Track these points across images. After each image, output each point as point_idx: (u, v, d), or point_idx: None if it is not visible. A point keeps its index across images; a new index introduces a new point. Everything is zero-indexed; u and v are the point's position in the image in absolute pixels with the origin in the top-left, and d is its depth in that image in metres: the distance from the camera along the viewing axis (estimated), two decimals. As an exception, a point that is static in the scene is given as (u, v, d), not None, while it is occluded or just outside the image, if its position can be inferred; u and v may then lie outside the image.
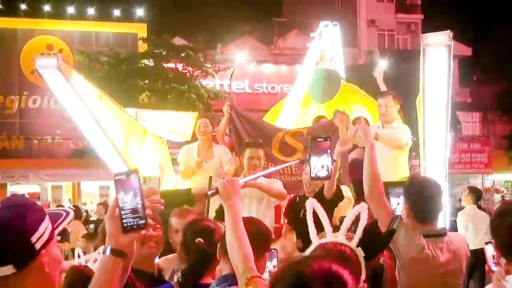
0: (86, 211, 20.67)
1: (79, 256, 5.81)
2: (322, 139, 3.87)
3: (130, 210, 2.65)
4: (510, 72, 40.63)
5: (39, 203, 17.94)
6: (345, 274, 1.94)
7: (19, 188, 34.15)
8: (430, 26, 38.86)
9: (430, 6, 52.01)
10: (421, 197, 4.56)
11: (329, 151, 3.81)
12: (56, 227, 2.30)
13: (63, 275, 5.49)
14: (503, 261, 3.45)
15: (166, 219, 4.64)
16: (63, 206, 15.63)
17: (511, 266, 3.26)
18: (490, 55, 43.51)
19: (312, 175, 3.74)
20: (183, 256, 3.98)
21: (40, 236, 2.13)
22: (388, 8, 53.23)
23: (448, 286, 4.50)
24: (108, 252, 2.57)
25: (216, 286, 3.55)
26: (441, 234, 4.54)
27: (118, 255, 2.58)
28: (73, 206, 18.90)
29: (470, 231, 11.75)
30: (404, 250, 4.09)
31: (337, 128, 8.05)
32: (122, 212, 2.64)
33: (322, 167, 3.64)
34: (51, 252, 2.18)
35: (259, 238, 3.75)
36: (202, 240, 3.86)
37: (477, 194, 13.50)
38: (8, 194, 33.57)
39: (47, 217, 2.23)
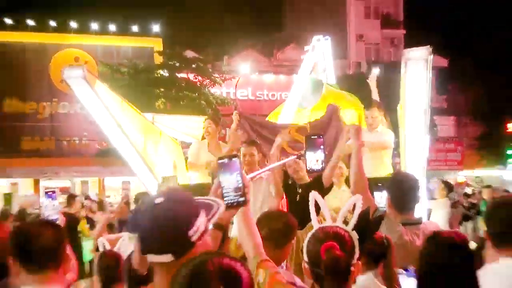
0: (110, 203, 20.52)
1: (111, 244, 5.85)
2: (315, 137, 4.00)
3: (231, 189, 2.71)
4: (481, 82, 40.62)
5: (66, 196, 17.98)
6: (237, 266, 1.93)
7: (51, 183, 33.95)
8: (411, 40, 38.88)
9: (411, 22, 51.90)
10: (400, 190, 4.60)
11: (322, 147, 3.88)
12: (210, 219, 2.35)
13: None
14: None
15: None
16: (90, 199, 15.55)
17: (502, 251, 3.26)
18: (464, 67, 43.53)
19: (308, 168, 3.84)
20: None
21: (197, 230, 2.18)
22: (374, 24, 53.14)
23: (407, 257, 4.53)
24: (210, 226, 2.54)
25: None
26: (417, 222, 4.57)
27: (219, 228, 2.69)
28: (98, 199, 18.79)
29: (441, 220, 11.71)
30: (388, 234, 4.10)
31: (333, 122, 8.20)
32: (224, 191, 2.70)
33: (317, 161, 3.78)
34: (204, 241, 2.22)
35: (286, 231, 3.85)
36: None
37: (449, 188, 13.53)
38: (41, 188, 33.55)
39: (202, 212, 2.27)
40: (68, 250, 3.00)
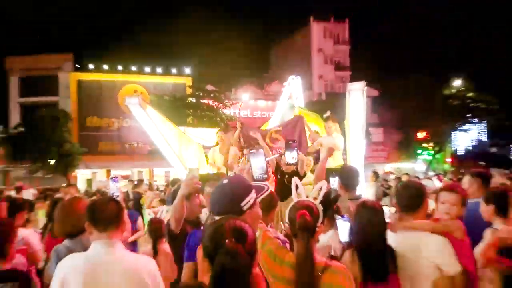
0: (157, 186, 20.47)
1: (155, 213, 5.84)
2: (291, 142, 4.07)
3: (258, 169, 2.85)
4: (399, 105, 40.75)
5: (127, 180, 17.90)
6: (246, 226, 1.98)
7: (118, 172, 34.06)
8: (354, 78, 39.01)
9: (354, 67, 52.12)
10: (347, 176, 4.57)
11: (296, 148, 3.92)
12: (259, 196, 2.45)
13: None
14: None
15: (202, 189, 4.62)
16: (142, 181, 15.42)
17: (405, 218, 3.26)
18: (388, 95, 43.70)
19: (286, 162, 4.07)
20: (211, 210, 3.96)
21: (247, 202, 2.26)
22: (330, 68, 53.34)
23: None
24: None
25: None
26: (358, 198, 4.55)
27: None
28: (149, 183, 18.71)
29: (370, 196, 11.71)
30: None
31: (297, 127, 8.32)
32: (253, 170, 2.84)
33: (292, 157, 3.86)
34: (252, 212, 2.29)
35: (271, 202, 3.79)
36: None
37: (376, 175, 13.67)
38: (112, 175, 33.51)
39: (253, 191, 2.35)
40: (125, 216, 2.98)
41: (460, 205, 3.27)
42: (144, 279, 2.69)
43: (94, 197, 12.85)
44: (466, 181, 4.81)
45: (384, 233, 3.02)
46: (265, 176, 2.88)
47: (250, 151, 2.96)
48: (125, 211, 3.07)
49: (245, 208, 2.24)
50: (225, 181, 2.34)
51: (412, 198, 3.23)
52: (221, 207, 2.24)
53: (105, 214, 2.80)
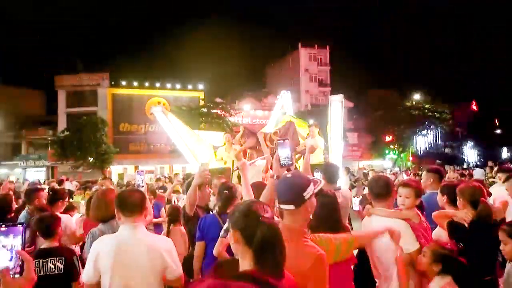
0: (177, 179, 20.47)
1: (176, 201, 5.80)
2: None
3: (284, 157, 2.66)
4: (371, 114, 40.77)
5: (152, 175, 17.87)
6: (267, 207, 1.94)
7: (144, 167, 34.18)
8: (334, 92, 38.98)
9: (333, 84, 52.17)
10: (330, 171, 4.53)
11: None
12: (315, 188, 2.34)
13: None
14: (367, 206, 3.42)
15: (211, 181, 4.59)
16: (165, 176, 15.41)
17: (375, 204, 3.23)
18: (360, 106, 43.74)
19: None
20: (217, 199, 3.95)
21: (308, 192, 2.15)
22: (314, 85, 53.22)
23: (344, 211, 4.49)
24: (275, 178, 2.58)
25: None
26: (338, 189, 4.52)
27: (276, 178, 2.58)
28: (169, 176, 18.64)
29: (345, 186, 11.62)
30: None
31: (290, 130, 8.22)
32: (280, 157, 2.65)
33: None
34: (311, 201, 2.18)
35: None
36: (227, 192, 3.81)
37: (347, 170, 13.60)
38: (138, 171, 33.61)
39: (312, 183, 2.24)
40: (147, 203, 2.97)
41: (414, 196, 3.23)
42: (163, 255, 2.69)
43: (124, 188, 12.82)
44: (424, 176, 4.84)
45: (333, 213, 2.98)
46: (290, 163, 2.71)
47: (278, 141, 2.81)
48: (147, 199, 3.07)
49: (306, 197, 2.14)
50: (289, 175, 2.25)
51: (382, 188, 3.19)
52: (286, 196, 2.15)
53: (130, 202, 2.77)
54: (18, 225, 1.47)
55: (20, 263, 1.39)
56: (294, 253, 2.04)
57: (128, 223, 2.73)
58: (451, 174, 12.79)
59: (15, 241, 1.44)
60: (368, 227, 3.26)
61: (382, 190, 3.19)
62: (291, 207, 2.13)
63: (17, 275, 1.38)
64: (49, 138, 35.35)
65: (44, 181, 21.95)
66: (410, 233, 2.97)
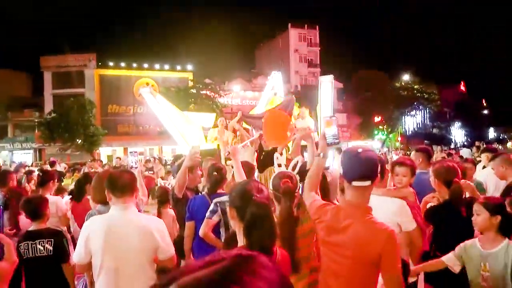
0: (165, 160, 20.32)
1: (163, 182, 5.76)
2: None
3: (331, 135, 2.53)
4: (360, 95, 40.86)
5: (142, 157, 17.77)
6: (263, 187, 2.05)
7: (133, 149, 34.17)
8: (323, 73, 38.88)
9: (323, 64, 52.07)
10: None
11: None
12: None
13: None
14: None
15: (201, 163, 4.58)
16: (155, 158, 15.29)
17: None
18: (350, 87, 43.81)
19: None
20: (207, 180, 3.95)
21: (378, 167, 2.14)
22: (304, 65, 52.99)
23: (333, 190, 4.52)
24: (321, 156, 2.50)
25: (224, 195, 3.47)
26: (327, 168, 4.55)
27: (323, 157, 2.53)
28: (159, 157, 18.52)
29: (337, 166, 11.62)
30: None
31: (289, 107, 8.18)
32: (326, 135, 2.53)
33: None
34: (378, 177, 2.18)
35: (250, 170, 3.79)
36: (216, 173, 3.81)
37: (339, 150, 13.64)
38: (128, 153, 33.73)
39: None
40: (137, 184, 2.95)
41: (410, 175, 3.25)
42: (154, 235, 2.69)
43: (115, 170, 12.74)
44: (413, 156, 4.87)
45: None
46: (337, 141, 2.57)
47: (324, 119, 2.68)
48: (138, 180, 3.06)
49: (377, 172, 2.12)
50: (359, 150, 2.15)
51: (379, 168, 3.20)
52: (362, 172, 2.08)
53: (121, 183, 2.75)
54: None
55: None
56: (363, 230, 2.05)
57: (118, 204, 2.73)
58: (438, 154, 12.89)
59: None
60: None
61: (380, 170, 3.19)
62: (367, 182, 2.09)
63: None
64: (36, 120, 34.89)
65: (32, 163, 21.75)
66: (408, 212, 2.99)
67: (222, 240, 3.33)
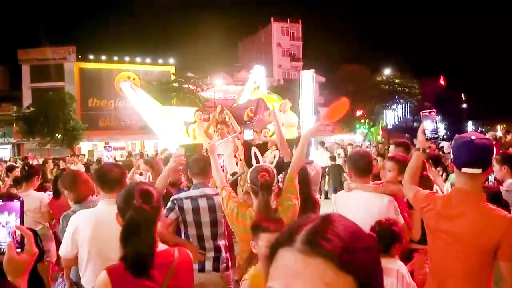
0: (147, 155, 20.13)
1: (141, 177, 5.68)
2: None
3: (430, 130, 2.48)
4: (341, 89, 41.11)
5: (125, 151, 17.52)
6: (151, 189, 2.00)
7: (114, 144, 33.70)
8: (306, 67, 38.97)
9: (306, 59, 52.21)
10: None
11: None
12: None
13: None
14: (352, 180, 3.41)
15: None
16: (140, 154, 15.15)
17: (356, 180, 3.19)
18: (332, 81, 44.03)
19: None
20: (185, 176, 3.94)
21: (493, 157, 2.13)
22: (287, 60, 53.16)
23: (315, 185, 4.53)
24: (420, 151, 2.51)
25: (192, 188, 3.38)
26: (311, 162, 4.56)
27: (423, 151, 2.54)
28: (140, 152, 18.33)
29: (320, 159, 11.64)
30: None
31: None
32: (426, 130, 2.48)
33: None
34: (492, 166, 2.20)
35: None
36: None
37: (322, 144, 13.70)
38: (105, 147, 33.24)
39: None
40: (126, 179, 2.98)
41: (396, 170, 3.27)
42: None
43: (94, 165, 12.55)
44: (392, 150, 4.90)
45: (304, 186, 3.04)
46: (436, 136, 2.52)
47: (423, 113, 2.59)
48: (126, 174, 3.06)
49: (490, 162, 2.09)
50: (473, 137, 2.08)
51: (368, 164, 3.20)
52: (474, 159, 2.04)
53: (111, 177, 2.75)
54: (15, 200, 1.41)
55: (18, 239, 1.34)
56: (480, 217, 2.02)
57: (107, 198, 2.72)
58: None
59: (10, 217, 1.38)
60: (344, 202, 3.25)
61: (367, 166, 3.19)
62: (478, 170, 2.05)
63: (18, 250, 1.33)
64: (14, 115, 34.17)
65: (10, 159, 21.34)
66: (396, 207, 3.00)
67: (183, 238, 3.27)
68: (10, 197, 1.52)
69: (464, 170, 2.07)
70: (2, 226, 1.38)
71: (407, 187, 2.48)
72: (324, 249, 0.66)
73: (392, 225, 2.72)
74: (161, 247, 1.94)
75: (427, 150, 2.61)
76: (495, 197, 2.77)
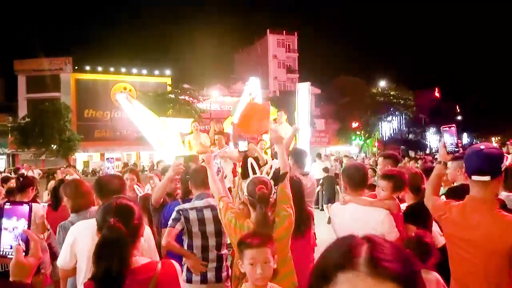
0: (143, 166, 20.08)
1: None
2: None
3: (450, 143, 2.56)
4: (337, 101, 41.28)
5: (120, 162, 17.47)
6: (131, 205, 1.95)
7: (110, 155, 33.59)
8: (302, 79, 39.23)
9: (301, 71, 52.47)
10: (299, 156, 4.56)
11: (246, 139, 2.95)
12: (505, 162, 2.22)
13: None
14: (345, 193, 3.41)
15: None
16: (135, 165, 15.14)
17: (351, 193, 3.19)
18: (328, 93, 44.19)
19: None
20: (180, 186, 3.94)
21: (504, 165, 2.13)
22: (282, 72, 53.44)
23: (311, 196, 4.54)
24: (441, 164, 2.60)
25: (195, 199, 3.40)
26: (307, 174, 4.57)
27: (444, 164, 2.61)
28: (134, 163, 18.35)
29: (317, 171, 11.62)
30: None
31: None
32: (446, 144, 2.55)
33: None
34: (502, 175, 2.19)
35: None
36: (188, 177, 3.79)
37: (319, 156, 13.75)
38: (105, 159, 33.27)
39: (504, 156, 2.19)
40: (126, 190, 3.08)
41: (390, 190, 3.26)
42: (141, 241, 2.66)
43: (90, 176, 12.49)
44: (381, 162, 4.88)
45: (298, 198, 3.05)
46: (456, 149, 2.57)
47: (443, 128, 2.66)
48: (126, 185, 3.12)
49: (502, 169, 2.12)
50: (482, 146, 2.17)
51: (364, 177, 3.20)
52: (482, 167, 2.11)
53: (110, 188, 2.77)
54: (24, 205, 1.42)
55: (24, 243, 1.36)
56: (494, 224, 2.08)
57: None
58: (407, 160, 13.33)
59: (19, 222, 1.39)
60: (340, 215, 3.24)
61: (363, 179, 3.19)
62: (487, 178, 2.10)
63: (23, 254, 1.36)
64: (9, 125, 34.02)
65: (5, 169, 21.21)
66: (391, 222, 2.99)
67: (186, 248, 3.27)
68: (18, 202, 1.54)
69: (474, 177, 2.16)
70: (9, 231, 1.38)
71: (428, 198, 2.57)
72: (393, 272, 0.67)
73: (423, 237, 2.81)
74: (142, 261, 1.89)
75: (443, 162, 2.68)
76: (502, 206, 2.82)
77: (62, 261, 2.67)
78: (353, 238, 0.76)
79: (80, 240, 2.62)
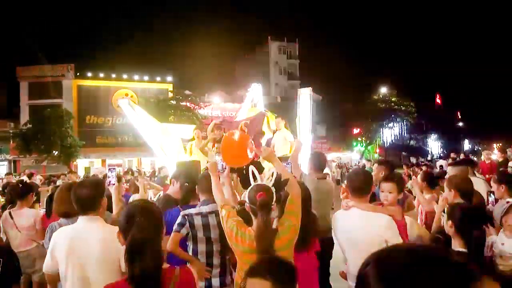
0: (144, 172, 20.00)
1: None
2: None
3: None
4: (338, 107, 41.35)
5: (121, 168, 17.41)
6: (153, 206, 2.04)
7: (112, 161, 33.69)
8: (303, 85, 39.19)
9: (302, 76, 52.55)
10: (318, 160, 4.72)
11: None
12: None
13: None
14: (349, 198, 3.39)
15: (177, 176, 4.50)
16: (138, 171, 15.09)
17: (354, 199, 3.17)
18: (330, 99, 44.28)
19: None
20: (180, 191, 3.93)
21: None
22: (284, 78, 53.68)
23: (327, 195, 4.58)
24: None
25: (201, 205, 3.42)
26: (324, 177, 4.61)
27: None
28: (138, 169, 18.27)
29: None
30: (309, 184, 3.96)
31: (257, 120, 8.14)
32: None
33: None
34: None
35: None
36: (187, 184, 3.80)
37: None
38: (107, 164, 33.32)
39: None
40: (103, 199, 2.93)
41: (396, 191, 3.27)
42: (118, 247, 2.49)
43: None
44: (376, 169, 4.90)
45: (304, 203, 2.97)
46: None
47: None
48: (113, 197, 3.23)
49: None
50: None
51: (368, 183, 3.17)
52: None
53: (80, 198, 2.74)
54: None
55: None
56: None
57: (84, 215, 2.76)
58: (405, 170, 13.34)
59: None
60: (342, 221, 3.23)
61: (367, 185, 3.17)
62: None
63: None
64: (11, 131, 34.08)
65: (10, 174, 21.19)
66: (395, 228, 2.99)
67: (190, 253, 3.27)
68: None
69: None
70: None
71: None
72: None
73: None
74: (163, 265, 1.94)
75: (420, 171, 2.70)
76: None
77: (45, 266, 2.71)
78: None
79: (59, 245, 2.66)
